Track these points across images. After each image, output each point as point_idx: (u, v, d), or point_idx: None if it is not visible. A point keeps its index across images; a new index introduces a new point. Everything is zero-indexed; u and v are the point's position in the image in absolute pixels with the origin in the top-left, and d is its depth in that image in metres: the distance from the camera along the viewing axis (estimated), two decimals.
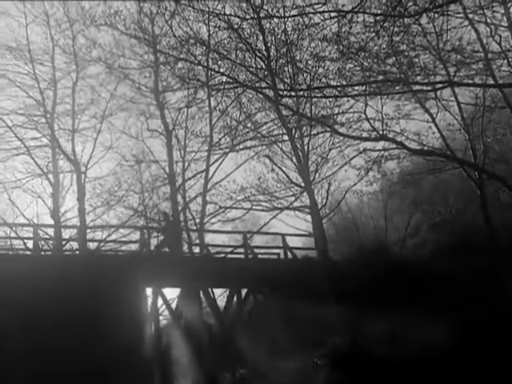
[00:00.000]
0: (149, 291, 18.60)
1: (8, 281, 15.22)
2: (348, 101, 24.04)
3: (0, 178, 27.72)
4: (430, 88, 21.35)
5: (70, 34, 27.95)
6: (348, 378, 15.33)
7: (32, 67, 27.99)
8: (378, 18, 16.73)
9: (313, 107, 25.36)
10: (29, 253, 21.06)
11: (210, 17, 20.27)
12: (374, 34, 17.40)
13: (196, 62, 21.79)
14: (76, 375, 14.46)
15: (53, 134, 27.49)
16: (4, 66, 28.10)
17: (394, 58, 20.58)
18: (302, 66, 20.48)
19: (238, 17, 18.99)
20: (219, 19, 19.81)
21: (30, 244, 21.20)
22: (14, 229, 25.18)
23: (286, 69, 18.77)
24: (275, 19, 19.38)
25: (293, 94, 19.77)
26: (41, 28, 28.27)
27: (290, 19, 19.55)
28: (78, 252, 23.82)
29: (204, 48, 21.29)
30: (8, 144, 27.77)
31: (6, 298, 14.92)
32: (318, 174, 27.78)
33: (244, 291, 20.48)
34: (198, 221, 27.02)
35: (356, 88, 20.11)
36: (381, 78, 20.51)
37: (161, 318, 21.50)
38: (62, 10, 27.79)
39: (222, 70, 21.87)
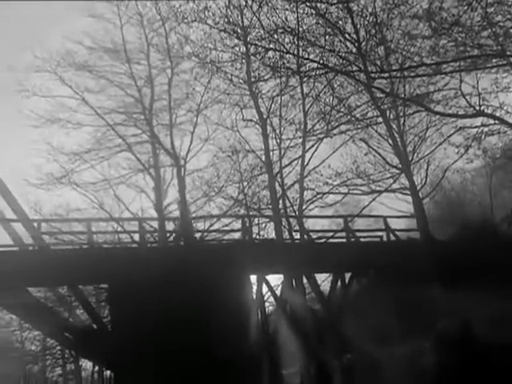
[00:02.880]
0: (253, 279, 19.01)
1: (124, 273, 16.20)
2: (443, 78, 23.33)
3: (105, 174, 29.13)
4: None
5: (163, 31, 28.77)
6: (460, 363, 14.97)
7: (129, 67, 29.18)
8: None
9: (407, 86, 24.88)
10: (135, 246, 22.05)
11: (298, 4, 20.25)
12: (466, 7, 16.85)
13: (285, 51, 21.83)
14: (187, 358, 15.44)
15: (152, 130, 28.45)
16: (103, 67, 29.53)
17: (490, 30, 19.75)
18: (392, 46, 20.06)
19: (326, 2, 18.84)
20: (306, 6, 19.80)
21: (136, 237, 22.21)
22: (120, 223, 26.30)
23: (376, 50, 18.54)
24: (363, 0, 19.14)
25: (385, 75, 19.43)
26: (135, 28, 29.43)
27: None
28: (182, 243, 24.50)
29: (292, 37, 21.29)
30: (110, 142, 29.21)
31: (123, 288, 15.97)
32: (415, 155, 27.35)
33: (348, 275, 20.47)
34: (296, 207, 27.18)
35: (451, 64, 19.50)
36: (476, 51, 19.79)
37: (266, 304, 21.98)
38: (154, 9, 28.69)
39: (311, 57, 21.84)
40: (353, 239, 21.39)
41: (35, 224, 18.13)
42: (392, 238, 21.70)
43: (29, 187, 27.86)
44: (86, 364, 33.21)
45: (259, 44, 22.76)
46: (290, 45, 22.20)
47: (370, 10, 19.33)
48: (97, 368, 31.10)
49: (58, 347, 32.94)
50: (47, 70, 28.49)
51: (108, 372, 29.37)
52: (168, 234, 24.88)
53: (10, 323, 36.83)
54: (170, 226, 27.71)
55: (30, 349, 38.57)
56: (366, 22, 19.17)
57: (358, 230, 23.49)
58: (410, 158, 26.81)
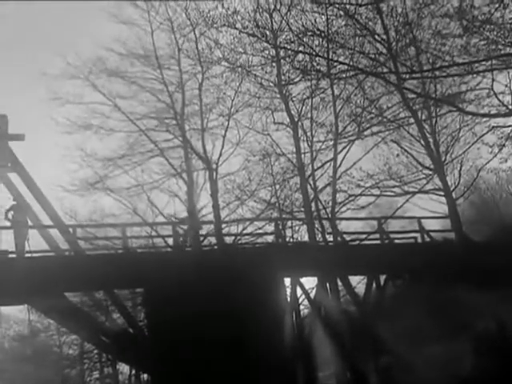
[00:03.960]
0: (287, 281, 19.02)
1: (159, 277, 16.38)
2: (475, 77, 23.06)
3: (138, 180, 29.43)
4: None
5: (193, 37, 28.93)
6: (499, 364, 14.75)
7: (160, 72, 29.47)
8: None
9: (438, 86, 24.63)
10: (169, 250, 22.23)
11: (327, 6, 20.24)
12: (498, 5, 16.64)
13: (314, 53, 21.80)
14: (223, 361, 15.51)
15: (184, 135, 28.71)
16: (134, 73, 30.01)
17: None
18: (423, 45, 19.90)
19: (356, 4, 18.78)
20: (335, 7, 19.78)
21: (170, 241, 22.39)
22: (154, 228, 26.39)
23: (406, 50, 18.40)
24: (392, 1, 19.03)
25: (415, 76, 19.28)
26: (165, 34, 29.74)
27: None
28: (215, 247, 24.61)
29: (322, 39, 21.27)
30: (143, 147, 29.63)
31: (159, 292, 16.15)
32: (448, 155, 27.05)
33: (383, 277, 20.34)
34: (328, 210, 27.10)
35: (483, 63, 19.26)
36: (508, 50, 19.51)
37: (301, 307, 21.93)
38: (183, 15, 28.89)
39: (341, 58, 21.79)
40: (387, 241, 21.25)
41: (71, 229, 18.44)
42: (427, 239, 21.49)
43: (63, 193, 28.42)
44: (123, 368, 33.52)
45: (288, 47, 22.81)
46: (319, 47, 22.20)
47: (399, 10, 19.22)
48: (134, 371, 31.37)
49: (96, 351, 33.30)
50: (80, 77, 29.04)
51: (145, 375, 29.63)
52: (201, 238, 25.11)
53: (48, 328, 37.40)
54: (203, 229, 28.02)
55: (67, 353, 39.05)
56: (396, 23, 19.08)
57: (392, 232, 23.35)
58: (443, 159, 26.57)
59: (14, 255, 17.23)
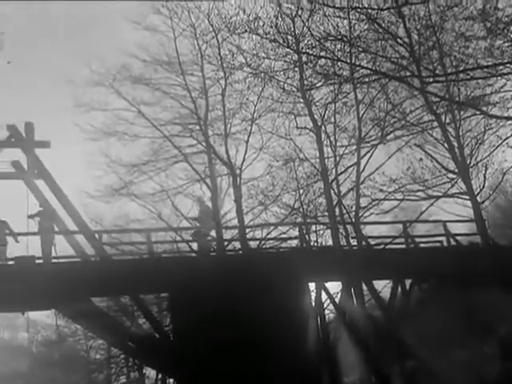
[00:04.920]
0: (312, 286, 19.01)
1: (184, 282, 16.53)
2: (499, 79, 22.81)
3: (163, 185, 29.68)
4: None
5: (216, 42, 29.00)
6: None
7: (183, 78, 29.59)
8: None
9: (462, 89, 24.43)
10: (194, 254, 22.33)
11: (350, 10, 20.23)
12: None
13: (335, 58, 21.75)
14: (248, 365, 15.65)
15: (207, 140, 28.76)
16: (158, 79, 30.17)
17: None
18: (446, 48, 19.76)
19: (378, 8, 18.74)
20: (357, 12, 19.75)
21: (194, 246, 22.47)
22: (179, 233, 26.47)
23: (429, 54, 18.28)
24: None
25: (439, 79, 19.15)
26: (188, 40, 29.86)
27: (430, 1, 18.98)
28: (240, 251, 24.66)
29: (344, 43, 21.22)
30: (167, 153, 29.82)
31: (184, 297, 16.35)
32: (473, 158, 26.80)
33: (408, 282, 20.22)
34: (352, 214, 27.02)
35: (507, 65, 19.05)
36: None
37: (326, 312, 21.89)
38: (206, 21, 29.04)
39: (364, 62, 21.73)
40: (412, 245, 21.12)
41: (96, 235, 18.64)
42: (452, 243, 21.32)
43: (89, 199, 28.74)
44: (150, 372, 33.68)
45: (310, 53, 22.80)
46: (341, 52, 22.16)
47: (422, 13, 19.11)
48: (160, 376, 31.50)
49: (122, 356, 33.53)
50: (104, 84, 29.33)
51: (171, 380, 29.75)
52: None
53: (76, 333, 37.72)
54: (227, 234, 28.14)
55: (95, 357, 39.35)
56: (419, 26, 18.97)
57: (418, 236, 23.20)
58: (468, 162, 26.32)
59: (40, 261, 17.48)
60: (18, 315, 24.10)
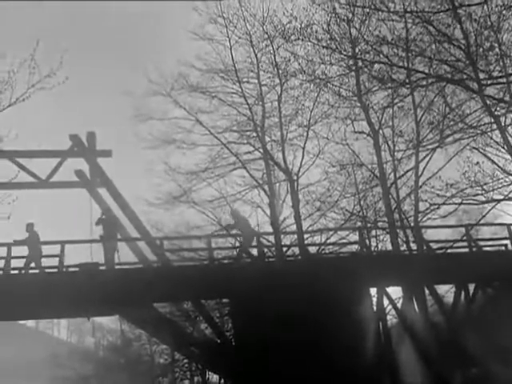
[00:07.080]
0: (373, 291, 18.89)
1: (245, 287, 16.75)
2: None
3: (221, 192, 30.22)
4: None
5: (271, 49, 29.21)
6: None
7: (239, 86, 29.92)
8: None
9: None
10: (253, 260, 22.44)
11: (406, 14, 20.03)
12: None
13: (389, 63, 21.47)
14: (310, 370, 15.74)
15: (264, 147, 29.05)
16: (215, 87, 30.71)
17: None
18: (504, 49, 19.26)
19: (432, 12, 18.47)
20: (413, 15, 19.52)
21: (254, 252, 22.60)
22: (238, 239, 26.64)
23: (487, 55, 17.85)
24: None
25: (496, 81, 18.67)
26: (243, 48, 30.22)
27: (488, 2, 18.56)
28: (299, 257, 24.66)
29: (400, 48, 20.96)
30: (225, 160, 30.25)
31: (245, 302, 16.58)
32: None
33: (472, 286, 19.80)
34: (411, 219, 26.61)
35: None
36: None
37: (388, 317, 21.65)
38: (261, 28, 29.35)
39: (420, 66, 21.42)
40: (475, 248, 20.68)
41: (158, 242, 19.03)
42: None
43: (149, 207, 29.37)
44: (213, 376, 34.09)
45: (365, 58, 22.62)
46: (397, 56, 21.90)
47: (478, 13, 18.68)
48: (223, 380, 31.85)
49: (186, 360, 34.06)
50: (162, 94, 29.95)
51: None
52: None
53: (140, 337, 38.63)
54: (286, 239, 28.21)
55: (159, 362, 40.16)
56: (477, 26, 18.56)
57: (481, 239, 22.70)
58: None
59: (104, 267, 17.99)
60: (85, 320, 24.77)
